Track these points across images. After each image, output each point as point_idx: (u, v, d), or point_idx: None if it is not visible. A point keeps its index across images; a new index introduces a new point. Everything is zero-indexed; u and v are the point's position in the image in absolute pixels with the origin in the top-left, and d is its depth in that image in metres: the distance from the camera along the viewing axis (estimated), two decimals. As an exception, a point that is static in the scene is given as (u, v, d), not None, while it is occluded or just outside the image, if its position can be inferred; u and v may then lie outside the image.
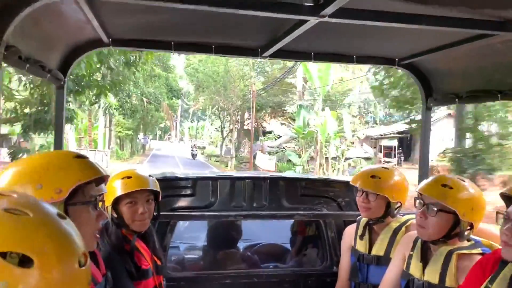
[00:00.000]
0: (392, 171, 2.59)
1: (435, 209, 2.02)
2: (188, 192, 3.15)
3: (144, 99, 37.54)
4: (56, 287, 0.72)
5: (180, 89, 47.36)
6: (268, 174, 3.53)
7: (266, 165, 28.58)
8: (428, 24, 1.98)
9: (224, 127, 45.72)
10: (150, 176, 2.26)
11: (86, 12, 2.05)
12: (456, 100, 2.89)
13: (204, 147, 57.77)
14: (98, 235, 1.46)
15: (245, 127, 42.50)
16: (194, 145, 40.85)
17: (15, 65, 1.91)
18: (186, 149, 56.75)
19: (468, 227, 2.03)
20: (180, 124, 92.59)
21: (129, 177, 2.18)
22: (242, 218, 3.20)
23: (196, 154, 43.01)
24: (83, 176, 1.36)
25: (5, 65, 1.79)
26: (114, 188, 2.16)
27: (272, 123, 41.18)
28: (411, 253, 2.21)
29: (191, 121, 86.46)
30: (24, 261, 0.70)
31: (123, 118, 38.94)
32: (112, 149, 36.00)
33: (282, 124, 37.47)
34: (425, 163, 3.23)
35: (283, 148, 33.40)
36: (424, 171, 3.19)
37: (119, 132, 41.74)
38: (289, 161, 28.77)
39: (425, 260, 2.14)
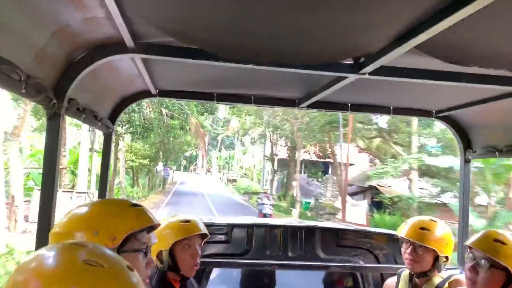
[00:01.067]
0: (441, 223, 2.51)
1: (487, 264, 1.95)
2: (224, 238, 3.18)
3: (164, 111, 23.49)
4: None
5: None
6: (304, 223, 3.52)
7: (354, 215, 19.86)
8: (467, 82, 2.03)
9: (275, 155, 38.16)
10: (200, 220, 2.31)
11: (140, 68, 2.21)
12: (496, 153, 2.86)
13: (234, 180, 53.42)
14: (147, 281, 1.51)
15: (304, 154, 30.13)
16: (267, 195, 20.73)
17: (74, 116, 2.05)
18: (216, 183, 52.65)
19: None
20: (207, 153, 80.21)
21: (187, 221, 2.22)
22: (277, 268, 3.18)
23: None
24: (137, 224, 1.42)
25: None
26: (173, 232, 2.18)
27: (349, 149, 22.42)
28: None
29: (218, 150, 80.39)
30: None
31: (132, 140, 27.57)
32: (121, 184, 27.06)
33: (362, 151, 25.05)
34: (465, 215, 3.17)
35: (376, 188, 22.03)
36: (465, 223, 3.12)
37: (132, 161, 32.19)
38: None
39: None
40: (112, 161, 17.20)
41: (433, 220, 2.51)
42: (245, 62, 1.90)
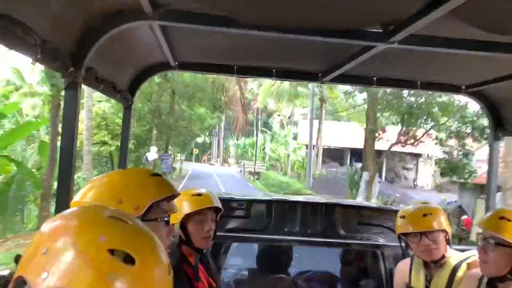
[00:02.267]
0: (434, 204, 2.50)
1: (494, 242, 1.92)
2: (243, 214, 3.15)
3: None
4: (151, 286, 0.80)
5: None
6: (324, 200, 3.47)
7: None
8: (503, 52, 1.91)
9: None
10: (214, 195, 2.30)
11: (159, 37, 2.14)
12: None
13: (257, 173, 37.97)
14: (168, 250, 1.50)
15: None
16: None
17: (92, 85, 2.02)
18: (236, 177, 39.79)
19: None
20: (224, 141, 69.32)
21: (199, 195, 2.22)
22: (296, 244, 3.15)
23: None
24: (158, 193, 1.42)
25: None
26: (184, 205, 2.18)
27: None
28: None
29: (236, 138, 65.29)
30: (128, 260, 0.78)
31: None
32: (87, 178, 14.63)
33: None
34: (493, 194, 3.06)
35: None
36: (492, 202, 3.02)
37: (105, 143, 19.34)
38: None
39: None
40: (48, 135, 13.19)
41: (425, 203, 2.49)
42: (269, 28, 1.81)
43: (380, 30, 1.83)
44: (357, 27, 1.84)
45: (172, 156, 31.89)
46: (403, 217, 2.43)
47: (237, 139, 62.40)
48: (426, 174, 34.71)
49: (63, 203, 1.71)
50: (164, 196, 1.43)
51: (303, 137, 36.67)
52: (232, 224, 3.13)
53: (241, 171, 44.45)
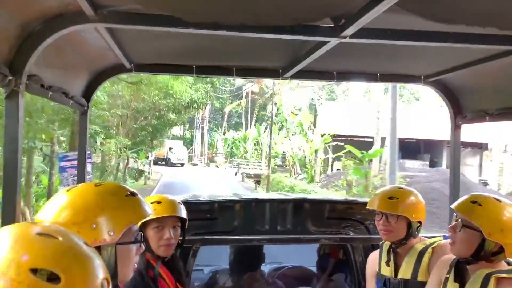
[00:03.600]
0: (408, 190, 2.53)
1: (461, 224, 1.98)
2: (211, 215, 3.11)
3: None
4: None
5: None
6: (292, 196, 3.46)
7: None
8: (454, 42, 1.91)
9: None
10: (179, 202, 2.26)
11: (108, 40, 2.07)
12: (487, 117, 2.77)
13: (259, 176, 28.57)
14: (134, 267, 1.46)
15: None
16: None
17: (38, 93, 1.93)
18: (236, 184, 27.81)
19: (497, 249, 1.93)
20: (209, 135, 56.31)
21: (158, 202, 2.19)
22: (266, 242, 3.13)
23: None
24: (135, 218, 1.37)
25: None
26: None
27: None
28: (447, 276, 2.12)
29: (223, 132, 53.58)
30: (52, 278, 0.76)
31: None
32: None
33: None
34: (456, 181, 3.11)
35: None
36: (455, 189, 3.06)
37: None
38: None
39: (461, 283, 2.04)
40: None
41: (400, 188, 2.53)
42: (217, 27, 1.76)
43: (331, 25, 1.81)
44: (308, 23, 1.82)
45: (121, 155, 21.91)
46: (375, 194, 2.58)
47: (224, 133, 52.75)
48: (492, 171, 26.93)
49: (9, 219, 1.63)
50: (140, 220, 1.39)
51: (324, 125, 28.42)
52: (200, 226, 3.08)
53: (236, 174, 33.73)
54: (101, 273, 0.82)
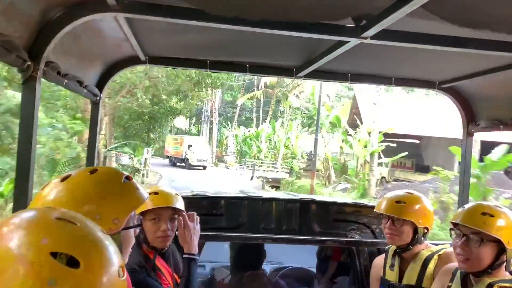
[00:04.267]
0: (417, 196, 2.52)
1: (479, 239, 1.94)
2: (218, 212, 3.10)
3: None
4: None
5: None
6: (299, 197, 3.44)
7: None
8: (475, 48, 1.90)
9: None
10: (176, 194, 2.25)
11: (125, 30, 2.06)
12: (501, 126, 2.75)
13: (278, 181, 25.33)
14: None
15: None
16: None
17: (54, 80, 1.92)
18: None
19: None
20: (218, 130, 49.04)
21: (155, 193, 2.18)
22: (271, 241, 3.12)
23: None
24: (136, 203, 1.35)
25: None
26: None
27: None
28: (450, 284, 2.11)
29: (235, 128, 47.45)
30: (72, 263, 0.76)
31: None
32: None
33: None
34: (466, 189, 3.08)
35: None
36: (465, 197, 3.04)
37: None
38: None
39: None
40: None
41: (409, 193, 2.53)
42: (238, 22, 1.75)
43: (352, 25, 1.79)
44: (329, 22, 1.80)
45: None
46: (384, 197, 2.58)
47: (235, 128, 46.66)
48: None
49: (21, 206, 1.62)
50: (141, 204, 1.37)
51: (371, 121, 21.24)
52: (206, 222, 3.07)
53: (252, 178, 28.61)
54: (118, 260, 0.83)
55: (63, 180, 1.30)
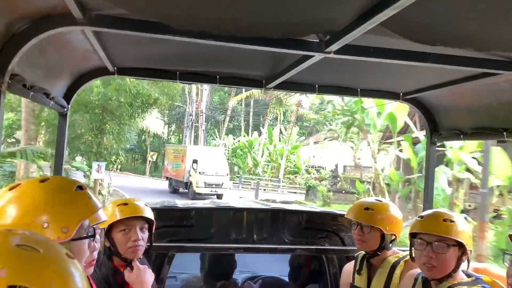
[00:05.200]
0: (386, 204, 2.60)
1: (444, 245, 2.03)
2: (188, 223, 3.09)
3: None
4: None
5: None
6: (269, 206, 3.47)
7: None
8: (433, 62, 1.98)
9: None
10: (145, 205, 2.26)
11: (93, 43, 2.06)
12: (461, 136, 2.87)
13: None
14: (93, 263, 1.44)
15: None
16: None
17: (19, 93, 1.90)
18: None
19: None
20: (205, 140, 40.12)
21: (125, 204, 2.19)
22: (242, 251, 3.13)
23: None
24: (88, 211, 1.32)
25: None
26: (109, 215, 2.15)
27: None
28: None
29: (219, 137, 41.50)
30: None
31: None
32: None
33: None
34: (430, 197, 3.19)
35: None
36: (429, 205, 3.14)
37: None
38: None
39: None
40: None
41: (378, 200, 2.60)
42: (203, 36, 1.78)
43: (317, 40, 1.85)
44: (295, 37, 1.85)
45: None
46: (354, 204, 2.66)
47: (221, 138, 38.85)
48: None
49: None
50: (93, 214, 1.35)
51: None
52: (176, 233, 3.07)
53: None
54: (84, 285, 0.79)
55: (11, 189, 1.28)
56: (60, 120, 2.76)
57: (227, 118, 42.53)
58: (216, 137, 42.08)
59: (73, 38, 2.05)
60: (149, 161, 41.63)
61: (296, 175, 25.63)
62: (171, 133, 47.66)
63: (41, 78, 2.19)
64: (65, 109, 2.67)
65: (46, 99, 2.29)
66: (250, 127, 41.23)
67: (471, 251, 2.07)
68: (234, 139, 39.40)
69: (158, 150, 43.30)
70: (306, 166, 26.67)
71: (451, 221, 2.05)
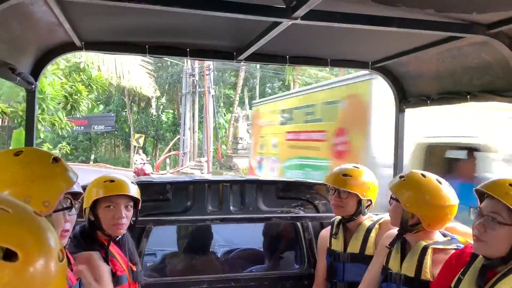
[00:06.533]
0: (362, 170, 2.67)
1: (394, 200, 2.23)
2: (164, 196, 3.11)
3: None
4: (39, 279, 0.74)
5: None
6: (244, 177, 3.52)
7: None
8: (398, 26, 2.03)
9: None
10: (132, 182, 2.26)
11: (57, 14, 2.02)
12: (428, 102, 2.96)
13: None
14: (68, 236, 1.45)
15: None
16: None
17: None
18: None
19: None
20: (216, 111, 26.52)
21: (111, 181, 2.20)
22: (218, 222, 3.18)
23: None
24: (67, 184, 1.33)
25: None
26: (95, 191, 2.17)
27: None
28: (391, 249, 2.27)
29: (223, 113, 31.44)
30: (8, 255, 0.72)
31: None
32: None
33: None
34: (400, 163, 3.29)
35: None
36: (399, 171, 3.24)
37: None
38: None
39: (403, 254, 2.22)
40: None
41: (356, 167, 2.67)
42: (166, 2, 1.76)
43: (283, 6, 1.86)
44: (261, 3, 1.86)
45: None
46: (332, 170, 2.76)
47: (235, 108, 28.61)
48: None
49: None
50: (72, 186, 1.36)
51: None
52: (153, 208, 3.08)
53: None
54: (56, 244, 0.80)
55: None
56: (28, 97, 2.72)
57: (240, 81, 30.54)
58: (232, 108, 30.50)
59: (36, 10, 2.00)
60: (134, 146, 27.89)
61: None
62: (161, 109, 36.40)
63: (5, 53, 2.14)
64: (33, 86, 2.62)
65: (12, 74, 2.24)
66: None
67: None
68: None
69: (145, 131, 32.89)
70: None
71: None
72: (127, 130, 34.99)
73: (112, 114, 33.41)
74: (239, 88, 30.88)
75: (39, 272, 0.74)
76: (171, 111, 36.31)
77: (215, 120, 26.34)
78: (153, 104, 35.74)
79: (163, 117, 36.52)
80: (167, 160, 27.97)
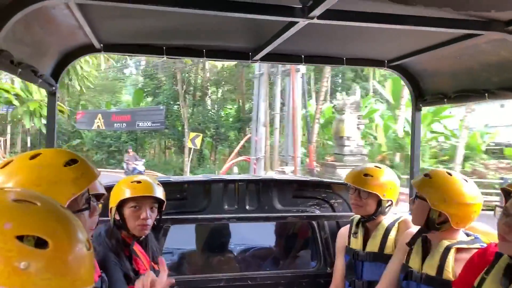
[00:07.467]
0: (384, 170, 2.64)
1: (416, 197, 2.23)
2: (181, 195, 3.15)
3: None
4: (69, 266, 0.78)
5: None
6: (260, 177, 3.54)
7: None
8: (414, 25, 2.02)
9: None
10: (158, 184, 2.31)
11: (78, 17, 2.07)
12: (445, 100, 2.94)
13: None
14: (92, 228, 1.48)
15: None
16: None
17: (7, 69, 1.92)
18: None
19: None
20: (305, 96, 17.82)
21: (138, 182, 2.25)
22: (235, 221, 3.21)
23: None
24: (77, 188, 1.30)
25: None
26: (122, 191, 2.22)
27: None
28: (412, 247, 2.26)
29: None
30: (40, 243, 0.76)
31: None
32: None
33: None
34: (416, 162, 3.27)
35: None
36: (416, 170, 3.22)
37: None
38: None
39: (424, 253, 2.21)
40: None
41: (378, 167, 2.65)
42: (184, 4, 1.79)
43: (299, 6, 1.88)
44: (277, 4, 1.88)
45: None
46: (354, 169, 2.74)
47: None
48: None
49: None
50: (82, 191, 1.32)
51: None
52: (170, 206, 3.12)
53: None
54: (83, 234, 0.84)
55: (3, 166, 1.28)
56: (49, 99, 2.78)
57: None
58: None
59: (58, 13, 2.05)
60: (189, 149, 21.47)
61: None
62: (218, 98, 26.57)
63: (28, 55, 2.19)
64: (54, 88, 2.68)
65: (34, 76, 2.30)
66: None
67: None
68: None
69: (202, 128, 25.77)
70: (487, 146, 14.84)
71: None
72: (180, 128, 28.30)
73: (162, 107, 25.84)
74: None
75: (69, 258, 0.78)
76: (231, 103, 27.50)
77: (305, 113, 18.18)
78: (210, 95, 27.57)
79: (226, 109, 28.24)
80: (235, 168, 20.39)
